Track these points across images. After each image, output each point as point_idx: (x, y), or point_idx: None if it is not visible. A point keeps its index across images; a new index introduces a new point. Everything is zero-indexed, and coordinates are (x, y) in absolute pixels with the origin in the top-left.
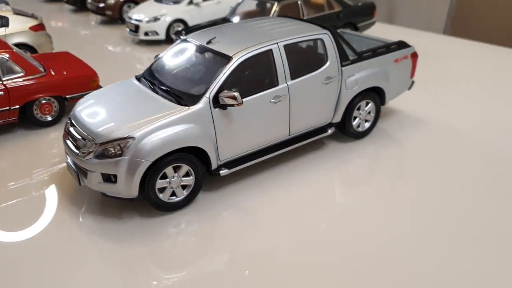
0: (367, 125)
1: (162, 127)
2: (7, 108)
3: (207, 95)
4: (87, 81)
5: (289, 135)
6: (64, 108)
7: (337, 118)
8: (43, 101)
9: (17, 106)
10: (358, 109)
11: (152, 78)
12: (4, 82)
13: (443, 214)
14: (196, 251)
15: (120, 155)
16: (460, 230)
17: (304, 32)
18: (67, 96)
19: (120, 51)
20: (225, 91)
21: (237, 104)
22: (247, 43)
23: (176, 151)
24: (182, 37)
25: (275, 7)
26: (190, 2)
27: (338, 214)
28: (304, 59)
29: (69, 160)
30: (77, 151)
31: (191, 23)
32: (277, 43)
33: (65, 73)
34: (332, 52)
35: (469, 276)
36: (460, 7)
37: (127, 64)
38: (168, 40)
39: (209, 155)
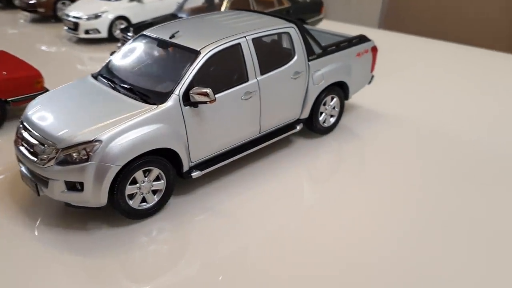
0: (332, 120)
1: (130, 128)
2: None
3: (176, 92)
4: (31, 82)
5: (259, 132)
6: (6, 113)
7: (305, 114)
8: None
9: None
10: (324, 104)
11: (111, 76)
12: None
13: (410, 200)
14: (169, 260)
15: (86, 160)
16: (427, 216)
17: (270, 26)
18: (8, 99)
19: (56, 51)
20: (196, 87)
21: (209, 101)
22: (214, 37)
23: (146, 153)
24: (142, 32)
25: (226, 2)
26: None
27: (312, 210)
28: (272, 54)
29: (23, 169)
30: (34, 158)
31: (134, 20)
32: (245, 37)
33: (4, 73)
34: (299, 46)
35: (437, 264)
36: (392, 4)
37: (66, 65)
38: (111, 39)
39: (180, 156)
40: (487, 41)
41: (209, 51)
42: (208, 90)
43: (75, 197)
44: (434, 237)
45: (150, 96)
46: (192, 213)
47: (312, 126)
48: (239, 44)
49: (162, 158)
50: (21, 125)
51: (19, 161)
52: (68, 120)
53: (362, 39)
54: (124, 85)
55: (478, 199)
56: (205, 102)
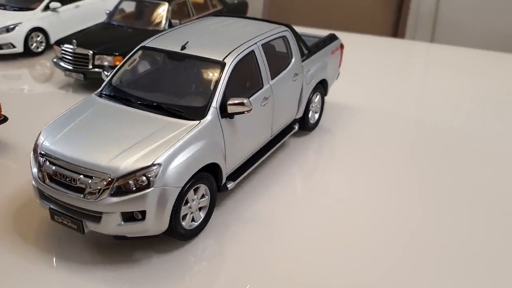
0: (316, 116)
1: (182, 147)
2: None
3: (213, 105)
4: None
5: (271, 136)
6: None
7: (300, 113)
8: None
9: None
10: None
11: (123, 94)
12: None
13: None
14: (225, 278)
15: (147, 186)
16: (418, 198)
17: (269, 30)
18: None
19: None
20: (232, 98)
21: (247, 111)
22: (229, 46)
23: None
24: (142, 45)
25: (167, 7)
26: (47, 8)
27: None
28: (275, 58)
29: (55, 207)
30: (79, 194)
31: (52, 32)
32: (256, 43)
33: None
34: (295, 48)
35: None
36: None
37: None
38: (28, 53)
39: (221, 169)
40: (366, 27)
41: (233, 61)
42: (245, 101)
43: (134, 228)
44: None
45: (185, 112)
46: (233, 226)
47: (304, 124)
48: (253, 51)
49: (207, 174)
50: (44, 159)
51: (46, 199)
52: (108, 146)
53: (333, 37)
54: (148, 103)
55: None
56: (242, 112)
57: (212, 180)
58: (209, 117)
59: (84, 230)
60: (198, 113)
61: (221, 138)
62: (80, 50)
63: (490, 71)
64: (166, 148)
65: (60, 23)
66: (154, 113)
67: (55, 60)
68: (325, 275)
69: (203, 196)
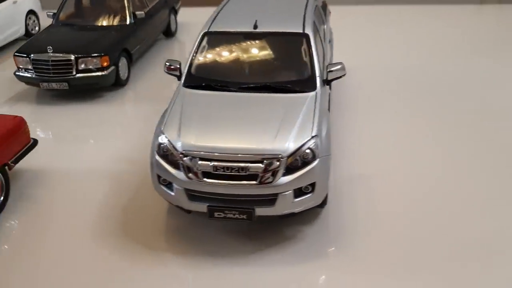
0: None
1: (320, 116)
2: None
3: (317, 74)
4: (22, 131)
5: None
6: (9, 181)
7: None
8: None
9: None
10: None
11: (216, 82)
12: None
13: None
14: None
15: (314, 158)
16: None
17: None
18: (9, 162)
19: None
20: (330, 65)
21: (343, 75)
22: (296, 18)
23: None
24: (207, 31)
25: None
26: None
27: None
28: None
29: (215, 204)
30: (252, 182)
31: None
32: (312, 12)
33: None
34: (323, 14)
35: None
36: None
37: None
38: None
39: None
40: None
41: (311, 31)
42: (342, 64)
43: (304, 202)
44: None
45: (298, 86)
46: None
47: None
48: (314, 20)
49: None
50: (192, 157)
51: (200, 198)
52: (258, 130)
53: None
54: (255, 85)
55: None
56: (340, 77)
57: None
58: (318, 86)
59: (253, 218)
60: (309, 85)
61: (327, 104)
62: (59, 56)
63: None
64: (312, 119)
65: None
66: (264, 93)
67: (19, 73)
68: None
69: None
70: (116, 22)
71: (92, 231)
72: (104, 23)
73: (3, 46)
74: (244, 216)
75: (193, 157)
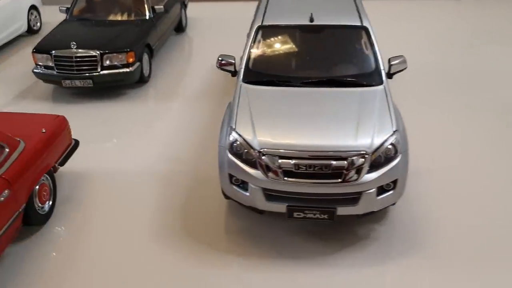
0: None
1: (394, 110)
2: (17, 212)
3: (381, 67)
4: (65, 132)
5: None
6: (56, 185)
7: None
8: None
9: (24, 205)
10: None
11: (280, 78)
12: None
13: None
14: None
15: (396, 154)
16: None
17: None
18: (56, 165)
19: None
20: (392, 58)
21: (405, 68)
22: (349, 11)
23: None
24: (261, 24)
25: None
26: None
27: None
28: None
29: (295, 204)
30: (336, 179)
31: None
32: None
33: (44, 131)
34: None
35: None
36: None
37: None
38: None
39: None
40: None
41: (369, 24)
42: (403, 57)
43: (385, 200)
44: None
45: (366, 79)
46: None
47: None
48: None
49: None
50: (271, 155)
51: (278, 198)
52: (336, 126)
53: None
54: (319, 80)
55: None
56: (401, 70)
57: None
58: (384, 79)
59: (334, 218)
60: (375, 78)
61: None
62: (84, 53)
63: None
64: (389, 114)
65: None
66: (329, 87)
67: (38, 70)
68: None
69: None
70: (135, 16)
71: (150, 233)
72: (123, 18)
73: (5, 43)
74: (326, 216)
75: (272, 155)
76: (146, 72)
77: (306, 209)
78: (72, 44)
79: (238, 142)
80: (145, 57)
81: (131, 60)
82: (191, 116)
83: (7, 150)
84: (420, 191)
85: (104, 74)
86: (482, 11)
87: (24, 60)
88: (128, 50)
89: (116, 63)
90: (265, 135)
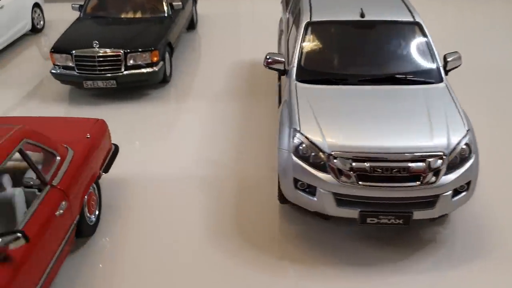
0: None
1: (462, 108)
2: (73, 224)
3: (439, 64)
4: (106, 136)
5: None
6: (101, 192)
7: None
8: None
9: (78, 216)
10: None
11: (334, 76)
12: (53, 182)
13: None
14: None
15: (470, 154)
16: None
17: None
18: (101, 172)
19: None
20: (448, 54)
21: (460, 65)
22: (399, 7)
23: None
24: (310, 21)
25: None
26: None
27: None
28: None
29: (368, 209)
30: (414, 182)
31: None
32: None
33: (88, 136)
34: None
35: None
36: None
37: None
38: None
39: None
40: None
41: (421, 20)
42: (458, 54)
43: (461, 201)
44: None
45: (424, 77)
46: None
47: None
48: None
49: None
50: (343, 158)
51: (350, 204)
52: (408, 125)
53: None
54: (376, 77)
55: None
56: (456, 67)
57: None
58: (444, 76)
59: (410, 222)
60: (435, 75)
61: None
62: (108, 52)
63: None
64: (458, 112)
65: None
66: (388, 85)
67: (56, 71)
68: None
69: None
70: (152, 14)
71: (200, 239)
72: (140, 16)
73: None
74: (401, 221)
75: (345, 158)
76: (167, 71)
77: (381, 214)
78: (95, 43)
79: (304, 145)
80: (167, 56)
81: (155, 59)
82: (219, 116)
83: (58, 158)
84: (479, 191)
85: (128, 74)
86: None
87: (30, 60)
88: (153, 48)
89: (140, 62)
90: (335, 137)
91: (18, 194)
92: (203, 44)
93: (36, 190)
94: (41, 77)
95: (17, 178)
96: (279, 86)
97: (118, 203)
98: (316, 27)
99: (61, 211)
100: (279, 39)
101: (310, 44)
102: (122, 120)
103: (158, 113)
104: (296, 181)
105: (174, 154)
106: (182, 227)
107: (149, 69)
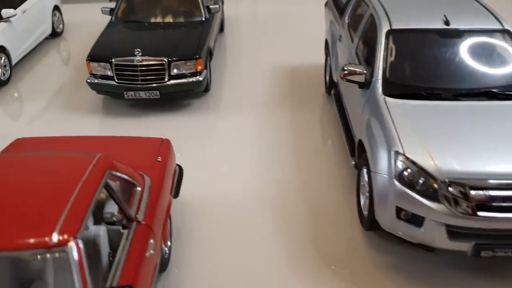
0: None
1: None
2: (157, 263)
3: None
4: (172, 157)
5: None
6: (171, 220)
7: None
8: None
9: (160, 253)
10: None
11: (427, 90)
12: (138, 218)
13: None
14: None
15: None
16: None
17: None
18: (172, 197)
19: None
20: None
21: None
22: (482, 14)
23: None
24: (391, 28)
25: None
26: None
27: None
28: None
29: (483, 242)
30: None
31: (13, 49)
32: None
33: (159, 159)
34: None
35: None
36: None
37: None
38: None
39: None
40: None
41: (510, 28)
42: None
43: None
44: None
45: None
46: None
47: None
48: None
49: None
50: (454, 186)
51: (463, 236)
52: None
53: None
54: (474, 91)
55: None
56: None
57: None
58: None
59: None
60: None
61: None
62: (151, 60)
63: None
64: None
65: (16, 36)
66: (492, 101)
67: (93, 80)
68: None
69: None
70: (188, 18)
71: (280, 267)
72: (177, 20)
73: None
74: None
75: (461, 186)
76: (208, 80)
77: (497, 247)
78: (137, 51)
79: (410, 170)
80: (208, 63)
81: (199, 68)
82: (270, 127)
83: (139, 189)
84: None
85: (172, 84)
86: None
87: (53, 66)
88: (198, 57)
89: (184, 71)
90: (448, 162)
91: (102, 234)
92: (234, 47)
93: (121, 228)
94: (73, 85)
95: (93, 213)
96: (335, 95)
97: (184, 229)
98: (398, 36)
99: (152, 251)
100: (332, 44)
101: (393, 54)
102: (168, 135)
103: (204, 126)
104: (399, 210)
105: (232, 171)
106: (256, 254)
107: (193, 79)
